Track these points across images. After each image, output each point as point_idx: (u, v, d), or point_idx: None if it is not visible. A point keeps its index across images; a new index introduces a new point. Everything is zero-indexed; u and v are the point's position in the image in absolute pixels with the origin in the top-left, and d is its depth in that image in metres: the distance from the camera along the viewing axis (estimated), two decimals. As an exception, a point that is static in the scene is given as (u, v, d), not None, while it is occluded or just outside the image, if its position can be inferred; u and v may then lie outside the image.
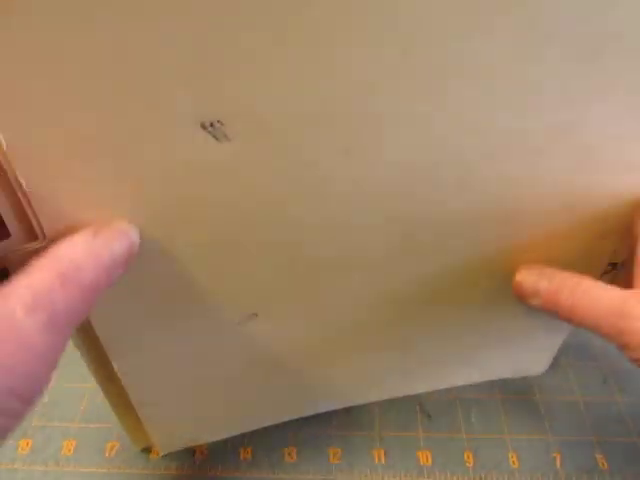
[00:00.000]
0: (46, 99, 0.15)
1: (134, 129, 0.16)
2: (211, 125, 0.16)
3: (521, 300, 0.25)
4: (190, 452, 0.30)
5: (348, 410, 0.32)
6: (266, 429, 0.31)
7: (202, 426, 0.30)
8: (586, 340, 0.36)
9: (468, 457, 0.30)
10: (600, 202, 0.23)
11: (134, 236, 0.18)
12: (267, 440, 0.31)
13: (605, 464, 0.30)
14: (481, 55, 0.17)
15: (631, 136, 0.20)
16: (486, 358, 0.33)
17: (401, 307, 0.26)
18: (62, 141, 0.16)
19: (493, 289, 0.26)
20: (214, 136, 0.17)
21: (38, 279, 0.14)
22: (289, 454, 0.30)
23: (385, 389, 0.33)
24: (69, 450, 0.30)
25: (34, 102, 0.15)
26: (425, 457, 0.30)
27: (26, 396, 0.14)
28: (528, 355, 0.33)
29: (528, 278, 0.24)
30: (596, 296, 0.22)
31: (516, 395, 0.33)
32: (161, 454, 0.30)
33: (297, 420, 0.32)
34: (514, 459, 0.30)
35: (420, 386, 0.34)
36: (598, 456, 0.30)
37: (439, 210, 0.22)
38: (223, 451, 0.30)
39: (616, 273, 0.27)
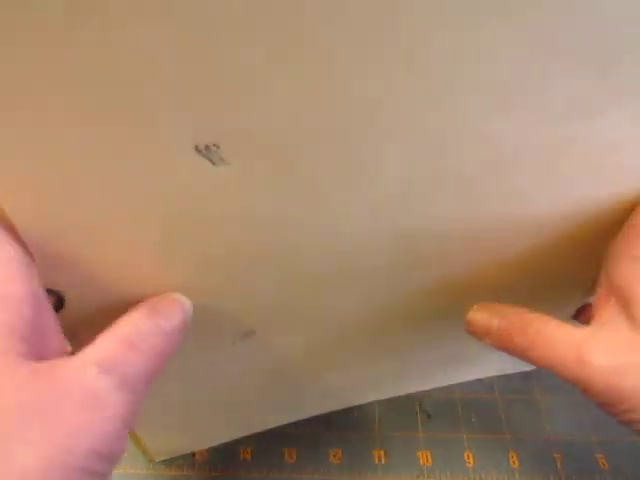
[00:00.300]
0: (32, 124, 0.14)
1: (126, 155, 0.15)
2: (206, 148, 0.16)
3: (475, 338, 0.23)
4: (190, 452, 0.30)
5: (348, 410, 0.32)
6: (265, 429, 0.31)
7: (197, 435, 0.30)
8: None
9: (468, 457, 0.30)
10: (596, 211, 0.23)
11: (187, 305, 0.19)
12: (267, 440, 0.31)
13: (605, 464, 0.30)
14: (485, 69, 0.16)
15: (630, 144, 0.20)
16: (483, 356, 0.33)
17: (400, 317, 0.26)
18: (48, 169, 0.15)
19: (489, 297, 0.26)
20: (210, 160, 0.16)
21: (106, 345, 0.15)
22: (289, 454, 0.30)
23: (383, 389, 0.33)
24: (69, 450, 0.30)
25: (20, 128, 0.14)
26: (425, 457, 0.30)
27: (109, 456, 0.14)
28: None
29: (478, 316, 0.23)
30: (551, 339, 0.20)
31: (516, 395, 0.33)
32: (156, 460, 0.30)
33: (297, 420, 0.32)
34: (514, 459, 0.30)
35: (418, 385, 0.34)
36: (598, 456, 0.30)
37: (441, 225, 0.21)
38: (223, 451, 0.30)
39: None
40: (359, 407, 0.33)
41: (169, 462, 0.30)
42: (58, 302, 0.18)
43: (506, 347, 0.21)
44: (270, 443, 0.31)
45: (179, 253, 0.19)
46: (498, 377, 0.34)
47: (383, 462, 0.30)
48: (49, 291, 0.18)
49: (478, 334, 0.23)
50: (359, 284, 0.23)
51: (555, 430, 0.32)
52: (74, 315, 0.19)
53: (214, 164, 0.16)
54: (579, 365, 0.19)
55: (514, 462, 0.30)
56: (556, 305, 0.27)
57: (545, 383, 0.34)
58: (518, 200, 0.21)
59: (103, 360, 0.15)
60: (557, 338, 0.20)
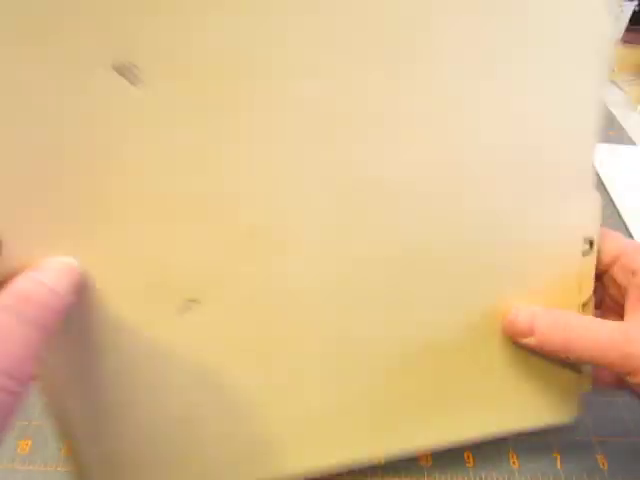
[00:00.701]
0: None
1: (47, 77, 0.15)
2: (125, 67, 0.16)
3: (513, 338, 0.25)
4: None
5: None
6: None
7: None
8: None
9: (468, 457, 0.30)
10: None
11: (77, 267, 0.20)
12: (267, 440, 0.31)
13: (605, 464, 0.30)
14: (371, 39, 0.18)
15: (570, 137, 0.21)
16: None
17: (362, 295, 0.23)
18: None
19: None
20: (128, 79, 0.16)
21: (5, 296, 0.18)
22: (289, 454, 0.30)
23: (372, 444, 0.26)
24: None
25: None
26: (425, 457, 0.30)
27: (17, 376, 0.17)
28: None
29: (522, 316, 0.24)
30: (595, 328, 0.23)
31: (516, 395, 0.33)
32: None
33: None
34: (514, 459, 0.30)
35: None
36: (598, 456, 0.30)
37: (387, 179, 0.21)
38: (223, 451, 0.30)
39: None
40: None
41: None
42: None
43: (548, 344, 0.23)
44: (270, 443, 0.31)
45: (108, 187, 0.18)
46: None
47: (383, 462, 0.30)
48: None
49: (520, 334, 0.24)
50: (305, 248, 0.21)
51: (555, 430, 0.31)
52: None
53: (133, 84, 0.16)
54: (627, 343, 0.21)
55: (514, 462, 0.30)
56: None
57: (545, 383, 0.34)
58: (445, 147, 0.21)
59: (4, 303, 0.18)
60: (602, 326, 0.23)
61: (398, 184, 0.21)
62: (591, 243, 0.25)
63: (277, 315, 0.22)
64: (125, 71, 0.16)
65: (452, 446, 0.27)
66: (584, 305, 0.26)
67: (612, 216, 0.46)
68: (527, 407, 0.27)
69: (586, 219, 0.25)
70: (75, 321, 0.20)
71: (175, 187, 0.18)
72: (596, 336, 0.22)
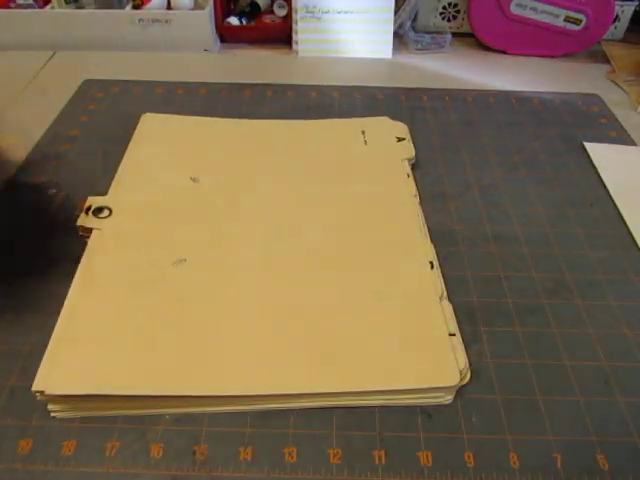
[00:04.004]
0: None
1: None
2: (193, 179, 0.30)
3: None
4: (190, 452, 0.30)
5: (348, 410, 0.32)
6: (266, 429, 0.31)
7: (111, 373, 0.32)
8: (587, 340, 0.36)
9: (468, 457, 0.30)
10: None
11: None
12: (267, 440, 0.31)
13: (606, 464, 0.30)
14: None
15: None
16: None
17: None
18: None
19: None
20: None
21: None
22: (289, 454, 0.30)
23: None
24: (69, 450, 0.30)
25: None
26: (425, 457, 0.30)
27: None
28: None
29: None
30: None
31: (516, 395, 0.33)
32: (50, 392, 0.30)
33: (297, 420, 0.32)
34: (514, 459, 0.30)
35: None
36: (599, 456, 0.30)
37: None
38: (223, 451, 0.30)
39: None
40: (359, 407, 0.32)
41: (169, 462, 0.30)
42: None
43: None
44: (270, 443, 0.31)
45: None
46: (498, 377, 0.34)
47: (383, 462, 0.30)
48: None
49: None
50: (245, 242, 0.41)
51: (555, 430, 0.32)
52: None
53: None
54: None
55: (514, 462, 0.30)
56: None
57: (545, 383, 0.34)
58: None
59: None
60: None
61: None
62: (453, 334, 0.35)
63: (226, 273, 0.39)
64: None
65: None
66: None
67: (612, 216, 0.46)
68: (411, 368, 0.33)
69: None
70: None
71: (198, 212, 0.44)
72: None
